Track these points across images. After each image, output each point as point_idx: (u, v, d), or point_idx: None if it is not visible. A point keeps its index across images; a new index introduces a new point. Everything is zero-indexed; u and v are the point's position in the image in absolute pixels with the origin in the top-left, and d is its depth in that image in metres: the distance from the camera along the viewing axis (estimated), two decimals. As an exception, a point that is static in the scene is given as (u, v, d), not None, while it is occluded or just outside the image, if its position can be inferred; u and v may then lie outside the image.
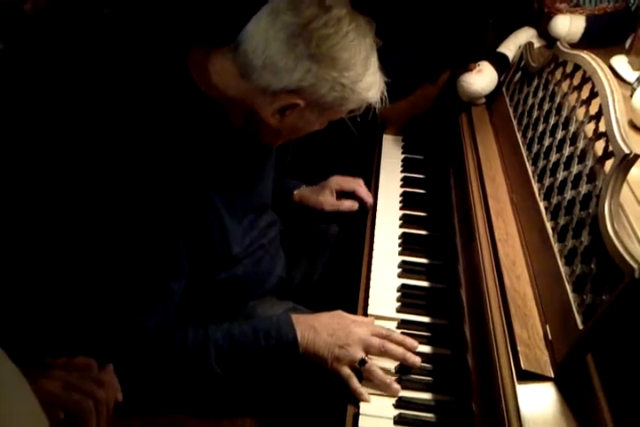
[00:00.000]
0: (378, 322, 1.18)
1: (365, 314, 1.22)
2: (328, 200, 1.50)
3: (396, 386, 1.06)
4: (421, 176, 1.66)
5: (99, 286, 1.03)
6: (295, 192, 1.51)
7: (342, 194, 1.52)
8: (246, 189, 1.20)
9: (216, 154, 1.08)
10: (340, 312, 1.15)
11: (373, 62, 1.05)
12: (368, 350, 1.09)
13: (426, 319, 1.22)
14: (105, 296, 1.03)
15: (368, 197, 1.52)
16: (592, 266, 0.87)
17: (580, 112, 1.09)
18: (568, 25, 1.49)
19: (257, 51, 0.98)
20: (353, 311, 1.21)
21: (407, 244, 1.41)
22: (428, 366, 1.11)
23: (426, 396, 1.07)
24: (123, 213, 1.00)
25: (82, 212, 1.02)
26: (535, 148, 1.21)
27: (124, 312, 1.03)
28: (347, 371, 1.08)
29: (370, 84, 1.05)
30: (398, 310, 1.23)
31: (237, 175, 1.16)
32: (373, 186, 1.61)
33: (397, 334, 1.13)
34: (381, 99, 1.08)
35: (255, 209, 1.27)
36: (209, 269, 1.15)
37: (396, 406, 1.05)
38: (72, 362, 0.90)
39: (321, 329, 1.10)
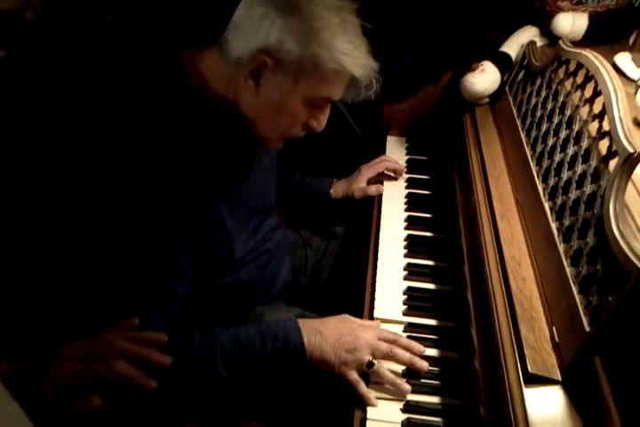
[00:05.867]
0: (384, 325, 1.17)
1: (371, 317, 1.21)
2: (358, 187, 1.54)
3: (407, 386, 1.06)
4: (426, 177, 1.65)
5: (101, 289, 1.03)
6: (331, 191, 1.54)
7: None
8: (248, 192, 1.19)
9: (216, 156, 1.08)
10: (346, 316, 1.14)
11: (353, 34, 1.00)
12: (375, 354, 1.08)
13: (432, 322, 1.21)
14: (107, 300, 1.03)
15: (399, 169, 1.60)
16: (598, 267, 0.86)
17: (584, 111, 1.08)
18: (570, 23, 1.48)
19: (230, 26, 0.98)
20: (359, 315, 1.20)
21: (412, 246, 1.40)
22: (435, 369, 1.11)
23: (433, 400, 1.06)
24: (123, 216, 1.00)
25: (83, 215, 1.02)
26: (539, 147, 1.20)
27: (126, 315, 1.03)
28: (354, 375, 1.07)
29: (348, 51, 0.99)
30: (404, 313, 1.22)
31: (238, 177, 1.16)
32: (378, 188, 1.60)
33: (404, 338, 1.12)
34: (376, 79, 1.06)
35: (259, 212, 1.26)
36: (213, 272, 1.15)
37: (404, 410, 1.04)
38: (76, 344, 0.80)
39: (328, 334, 1.09)
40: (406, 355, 1.09)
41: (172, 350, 1.04)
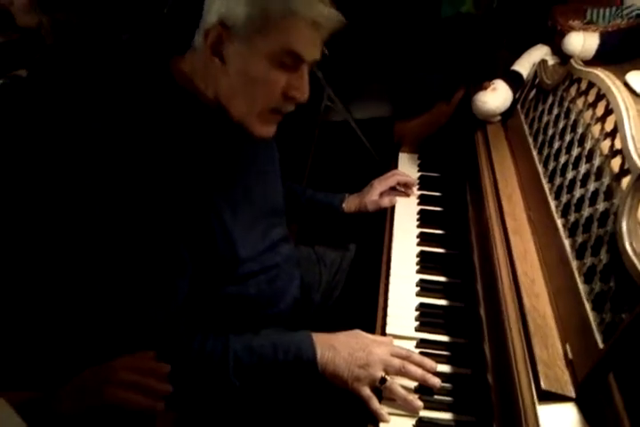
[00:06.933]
0: (397, 341, 1.17)
1: (384, 333, 1.21)
2: (370, 200, 1.56)
3: (419, 403, 1.06)
4: (438, 194, 1.66)
5: (104, 287, 1.04)
6: (344, 205, 1.57)
7: None
8: (250, 193, 1.21)
9: (211, 157, 1.11)
10: (358, 332, 1.15)
11: None
12: (388, 370, 1.08)
13: (445, 338, 1.21)
14: (111, 297, 1.04)
15: (411, 182, 1.63)
16: (611, 284, 0.86)
17: (596, 129, 1.08)
18: (581, 42, 1.49)
19: None
20: (371, 330, 1.20)
21: (425, 262, 1.40)
22: (447, 385, 1.10)
23: (446, 416, 1.06)
24: (123, 215, 1.01)
25: (83, 218, 1.03)
26: (551, 165, 1.21)
27: (130, 309, 1.04)
28: (367, 391, 1.08)
29: None
30: (417, 329, 1.23)
31: (236, 178, 1.18)
32: (390, 204, 1.61)
33: (417, 354, 1.12)
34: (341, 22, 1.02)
35: (266, 215, 1.27)
36: (218, 273, 1.15)
37: (416, 426, 1.04)
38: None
39: (341, 349, 1.10)
40: (419, 371, 1.09)
41: (183, 353, 1.05)
